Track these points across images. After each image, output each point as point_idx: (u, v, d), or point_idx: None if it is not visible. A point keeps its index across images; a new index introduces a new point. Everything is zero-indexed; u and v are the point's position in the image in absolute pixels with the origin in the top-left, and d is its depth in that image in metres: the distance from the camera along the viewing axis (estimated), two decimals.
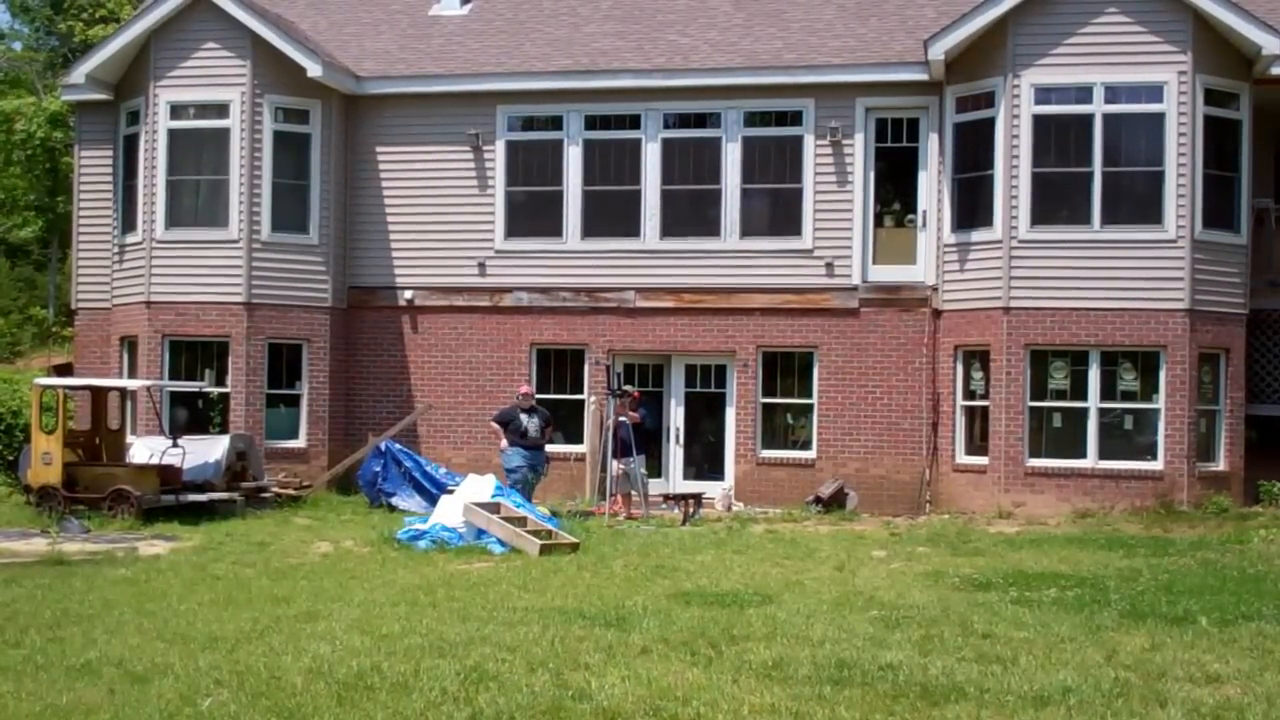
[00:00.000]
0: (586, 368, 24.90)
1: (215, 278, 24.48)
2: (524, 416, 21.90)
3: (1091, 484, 21.96)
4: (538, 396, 23.81)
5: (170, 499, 20.94)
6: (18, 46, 53.98)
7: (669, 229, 24.64)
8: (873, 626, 11.63)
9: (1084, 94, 22.20)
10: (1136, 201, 22.19)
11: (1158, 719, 8.56)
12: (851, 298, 23.90)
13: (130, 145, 25.41)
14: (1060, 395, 22.40)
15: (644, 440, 22.63)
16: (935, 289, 23.52)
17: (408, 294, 25.41)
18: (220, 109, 24.58)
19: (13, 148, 42.49)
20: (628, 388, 22.84)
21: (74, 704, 8.84)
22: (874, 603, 13.03)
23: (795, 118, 24.26)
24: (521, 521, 17.66)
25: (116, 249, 25.66)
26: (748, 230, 24.42)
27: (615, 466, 21.93)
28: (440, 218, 25.45)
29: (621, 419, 21.96)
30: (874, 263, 24.03)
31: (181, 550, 17.42)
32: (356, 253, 25.62)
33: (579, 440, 24.56)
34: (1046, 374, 22.37)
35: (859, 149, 23.90)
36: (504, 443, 21.75)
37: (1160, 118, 21.98)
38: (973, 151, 22.98)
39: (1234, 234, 22.56)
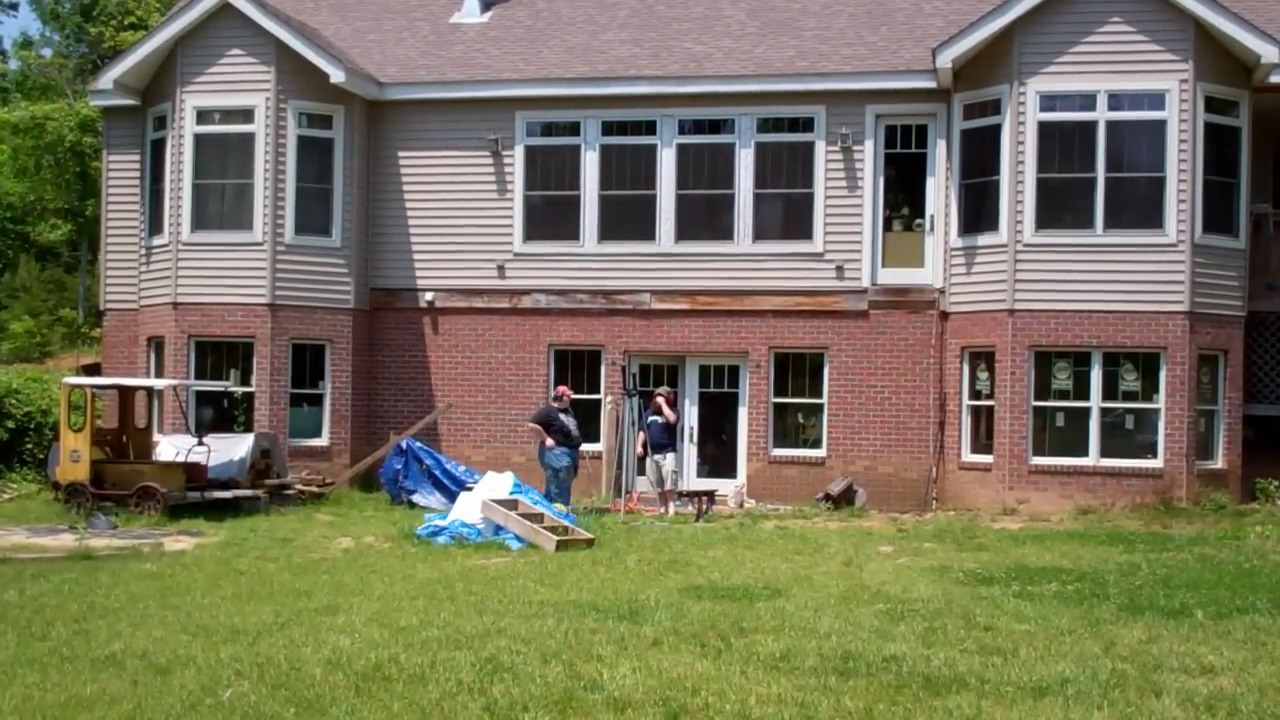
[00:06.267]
0: (603, 368, 25.10)
1: (240, 280, 24.69)
2: (563, 417, 22.03)
3: (1093, 481, 22.16)
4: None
5: (196, 496, 21.13)
6: (48, 53, 53.83)
7: (683, 233, 24.88)
8: (878, 619, 11.74)
9: (1088, 101, 22.38)
10: (1138, 206, 22.35)
11: (1153, 709, 8.64)
12: (861, 300, 24.13)
13: (157, 150, 25.63)
14: (1063, 395, 22.56)
15: (675, 438, 22.82)
16: (942, 292, 23.74)
17: (428, 296, 25.63)
18: (245, 114, 24.78)
19: (43, 152, 42.54)
20: (665, 389, 23.11)
21: (98, 695, 8.94)
22: (880, 596, 13.18)
23: (807, 124, 24.47)
24: (538, 518, 17.83)
25: (144, 251, 25.86)
26: (760, 234, 24.66)
27: (667, 461, 22.37)
28: (460, 221, 25.68)
29: (655, 417, 22.33)
30: (883, 266, 24.27)
31: (206, 546, 17.54)
32: (378, 255, 25.84)
33: (595, 439, 24.64)
34: (1050, 374, 22.55)
35: (869, 155, 24.13)
36: (550, 441, 21.66)
37: (1162, 125, 22.16)
38: (979, 157, 23.15)
39: (1233, 238, 22.73)
